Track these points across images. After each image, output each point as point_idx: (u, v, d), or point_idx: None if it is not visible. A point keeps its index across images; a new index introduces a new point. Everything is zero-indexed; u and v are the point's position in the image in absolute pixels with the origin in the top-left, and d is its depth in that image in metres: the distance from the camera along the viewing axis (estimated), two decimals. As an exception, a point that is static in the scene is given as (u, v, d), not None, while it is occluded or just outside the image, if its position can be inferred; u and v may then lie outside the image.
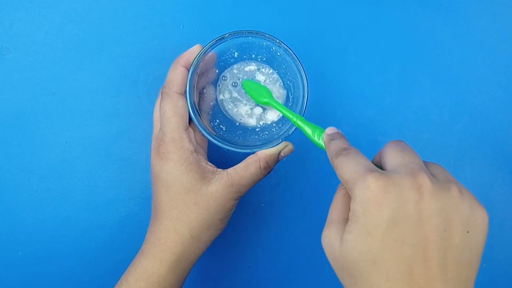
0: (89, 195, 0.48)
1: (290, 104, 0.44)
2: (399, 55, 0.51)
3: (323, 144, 0.36)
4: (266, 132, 0.45)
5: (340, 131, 0.36)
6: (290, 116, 0.40)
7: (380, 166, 0.32)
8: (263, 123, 0.45)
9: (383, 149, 0.32)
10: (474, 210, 0.29)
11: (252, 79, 0.44)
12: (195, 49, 0.40)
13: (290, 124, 0.42)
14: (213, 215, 0.40)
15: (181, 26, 0.49)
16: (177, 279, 0.40)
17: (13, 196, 0.48)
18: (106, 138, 0.49)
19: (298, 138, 0.42)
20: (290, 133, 0.41)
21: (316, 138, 0.37)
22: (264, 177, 0.41)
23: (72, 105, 0.48)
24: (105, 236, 0.48)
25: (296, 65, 0.41)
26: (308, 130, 0.38)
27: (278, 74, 0.45)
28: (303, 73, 0.41)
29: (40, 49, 0.48)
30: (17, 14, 0.48)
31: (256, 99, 0.43)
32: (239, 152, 0.41)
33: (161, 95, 0.40)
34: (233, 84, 0.45)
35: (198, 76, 0.42)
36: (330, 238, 0.30)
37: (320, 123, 0.50)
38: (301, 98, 0.41)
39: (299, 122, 0.39)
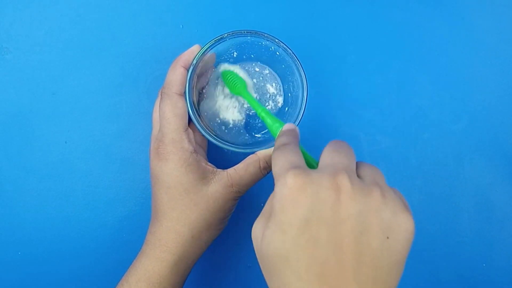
0: (89, 195, 0.48)
1: (289, 103, 0.44)
2: (399, 55, 0.51)
3: None
4: (266, 132, 0.45)
5: (296, 130, 0.36)
6: (256, 107, 0.40)
7: None
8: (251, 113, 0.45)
9: (322, 150, 0.32)
10: (397, 216, 0.28)
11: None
12: (194, 49, 0.40)
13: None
14: (213, 215, 0.40)
15: (181, 26, 0.49)
16: (178, 279, 0.40)
17: (13, 196, 0.48)
18: (106, 138, 0.49)
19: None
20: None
21: (274, 131, 0.38)
22: (264, 176, 0.41)
23: (72, 105, 0.48)
24: (105, 236, 0.48)
25: (296, 65, 0.41)
26: (269, 121, 0.38)
27: (278, 74, 0.45)
28: (302, 73, 0.41)
29: (40, 49, 0.48)
30: (17, 14, 0.48)
31: (231, 89, 0.43)
32: (239, 152, 0.41)
33: (161, 95, 0.40)
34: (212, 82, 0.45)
35: (198, 76, 0.42)
36: (256, 231, 0.30)
37: (320, 123, 0.50)
38: (300, 98, 0.41)
39: (263, 114, 0.39)
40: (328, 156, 0.30)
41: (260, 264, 0.30)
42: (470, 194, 0.51)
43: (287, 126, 0.36)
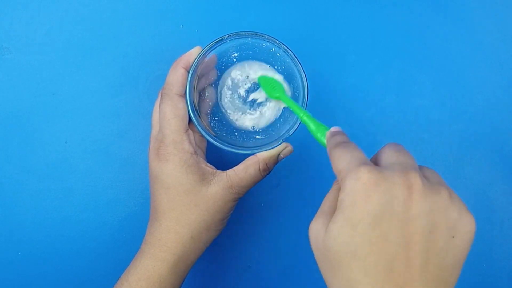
0: (89, 195, 0.48)
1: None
2: (399, 55, 0.51)
3: (325, 141, 0.36)
4: (266, 134, 0.45)
5: (343, 131, 0.36)
6: (298, 111, 0.40)
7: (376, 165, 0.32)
8: (259, 129, 0.45)
9: (380, 150, 0.32)
10: (462, 217, 0.28)
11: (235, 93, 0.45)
12: (195, 51, 0.40)
13: (289, 125, 0.42)
14: (212, 216, 0.40)
15: (181, 26, 0.49)
16: (177, 279, 0.40)
17: (13, 196, 0.48)
18: (106, 138, 0.49)
19: (297, 139, 0.42)
20: (290, 134, 0.41)
21: (319, 135, 0.37)
22: (263, 178, 0.41)
23: (72, 105, 0.48)
24: (105, 236, 0.48)
25: (296, 66, 0.41)
26: (312, 126, 0.38)
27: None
28: (302, 74, 0.41)
29: (40, 49, 0.48)
30: (17, 14, 0.48)
31: (269, 93, 0.43)
32: (239, 153, 0.41)
33: (161, 96, 0.40)
34: (228, 87, 0.45)
35: (198, 77, 0.42)
36: (316, 228, 0.30)
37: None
38: (301, 98, 0.41)
39: (305, 118, 0.39)
40: (393, 155, 0.30)
41: (321, 261, 0.29)
42: (470, 194, 0.51)
43: (336, 128, 0.36)
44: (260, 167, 0.40)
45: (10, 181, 0.48)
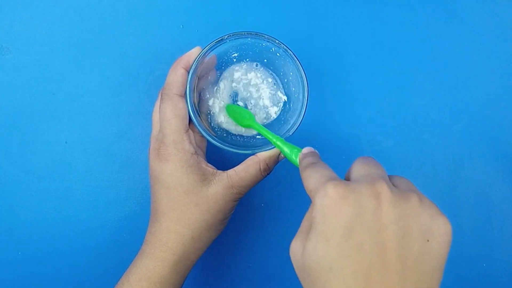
0: (89, 195, 0.48)
1: (290, 104, 0.44)
2: (399, 55, 0.51)
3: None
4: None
5: (315, 151, 0.37)
6: (270, 137, 0.40)
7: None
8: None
9: (351, 165, 0.32)
10: (435, 220, 0.28)
11: (235, 102, 0.45)
12: (195, 51, 0.40)
13: (289, 125, 0.42)
14: (213, 216, 0.40)
15: (181, 26, 0.49)
16: (178, 279, 0.40)
17: (13, 196, 0.48)
18: (106, 138, 0.49)
19: (297, 139, 0.42)
20: (290, 134, 0.41)
21: (293, 157, 0.38)
22: (263, 178, 0.41)
23: (72, 105, 0.48)
24: (105, 236, 0.48)
25: (296, 66, 0.41)
26: (286, 150, 0.38)
27: (278, 75, 0.45)
28: (303, 73, 0.41)
29: (40, 49, 0.48)
30: (17, 14, 0.48)
31: (239, 123, 0.44)
32: (239, 153, 0.41)
33: (161, 96, 0.40)
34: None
35: (198, 78, 0.42)
36: (295, 247, 0.30)
37: (320, 123, 0.50)
38: (301, 98, 0.41)
39: (278, 143, 0.39)
40: (361, 168, 0.31)
41: (301, 279, 0.30)
42: (470, 194, 0.51)
43: (307, 149, 0.37)
44: (261, 167, 0.40)
45: (10, 181, 0.48)
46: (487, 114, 0.51)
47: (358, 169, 0.31)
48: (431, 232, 0.28)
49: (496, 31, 0.52)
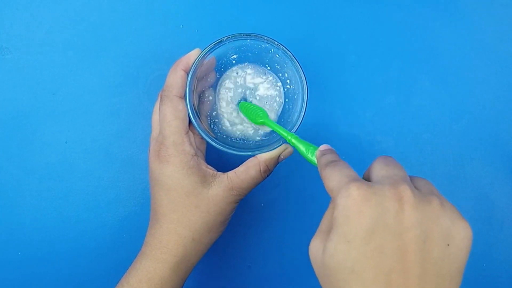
0: (89, 195, 0.48)
1: (290, 105, 0.44)
2: (399, 55, 0.51)
3: (316, 160, 0.36)
4: (266, 135, 0.45)
5: (332, 148, 0.37)
6: (285, 134, 0.40)
7: (368, 180, 0.32)
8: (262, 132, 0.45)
9: (371, 164, 0.32)
10: (456, 224, 0.28)
11: (245, 99, 0.45)
12: (194, 53, 0.40)
13: (290, 127, 0.41)
14: (214, 218, 0.40)
15: (181, 26, 0.49)
16: (179, 281, 0.40)
17: (13, 196, 0.48)
18: (106, 138, 0.49)
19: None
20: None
21: (309, 155, 0.37)
22: (263, 180, 0.41)
23: (72, 105, 0.48)
24: (105, 236, 0.48)
25: (295, 67, 0.41)
26: (302, 147, 0.38)
27: (277, 76, 0.45)
28: (302, 75, 0.41)
29: (40, 49, 0.48)
30: (17, 14, 0.48)
31: (253, 120, 0.44)
32: (239, 155, 0.41)
33: (161, 98, 0.40)
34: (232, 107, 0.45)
35: (198, 79, 0.42)
36: (315, 247, 0.30)
37: (320, 123, 0.50)
38: (300, 99, 0.41)
39: (293, 140, 0.39)
40: (383, 168, 0.31)
41: (321, 278, 0.30)
42: (470, 194, 0.51)
43: (325, 146, 0.37)
44: (261, 169, 0.40)
45: (10, 181, 0.48)
46: (487, 114, 0.51)
47: (379, 169, 0.31)
48: (451, 236, 0.28)
49: (496, 31, 0.52)
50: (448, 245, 0.28)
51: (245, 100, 0.45)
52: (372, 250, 0.27)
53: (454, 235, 0.28)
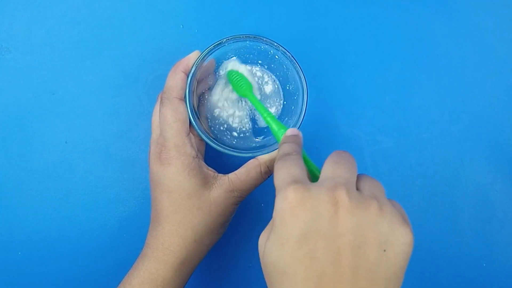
0: (89, 195, 0.48)
1: (290, 106, 0.44)
2: (399, 55, 0.51)
3: None
4: (266, 136, 0.45)
5: (299, 135, 0.36)
6: (262, 111, 0.40)
7: None
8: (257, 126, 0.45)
9: (325, 160, 0.32)
10: (394, 229, 0.28)
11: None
12: (194, 55, 0.40)
13: (290, 127, 0.41)
14: (215, 220, 0.40)
15: (181, 26, 0.49)
16: (180, 282, 0.40)
17: (13, 196, 0.48)
18: (106, 138, 0.49)
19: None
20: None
21: (280, 135, 0.38)
22: (264, 181, 0.41)
23: (72, 105, 0.48)
24: (105, 236, 0.48)
25: (295, 68, 0.41)
26: (275, 127, 0.38)
27: (277, 77, 0.45)
28: (302, 75, 0.41)
29: (40, 49, 0.48)
30: (17, 14, 0.48)
31: (237, 90, 0.43)
32: (239, 157, 0.41)
33: (161, 100, 0.40)
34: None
35: (197, 81, 0.42)
36: (262, 241, 0.31)
37: (320, 123, 0.50)
38: (300, 99, 0.41)
39: (268, 119, 0.39)
40: (330, 168, 0.31)
41: (263, 272, 0.30)
42: (470, 194, 0.51)
43: (290, 131, 0.37)
44: (262, 170, 0.40)
45: (10, 181, 0.48)
46: (487, 114, 0.51)
47: (327, 168, 0.31)
48: (389, 242, 0.28)
49: (496, 31, 0.52)
50: (384, 250, 0.28)
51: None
52: (304, 254, 0.27)
53: (391, 241, 0.28)
